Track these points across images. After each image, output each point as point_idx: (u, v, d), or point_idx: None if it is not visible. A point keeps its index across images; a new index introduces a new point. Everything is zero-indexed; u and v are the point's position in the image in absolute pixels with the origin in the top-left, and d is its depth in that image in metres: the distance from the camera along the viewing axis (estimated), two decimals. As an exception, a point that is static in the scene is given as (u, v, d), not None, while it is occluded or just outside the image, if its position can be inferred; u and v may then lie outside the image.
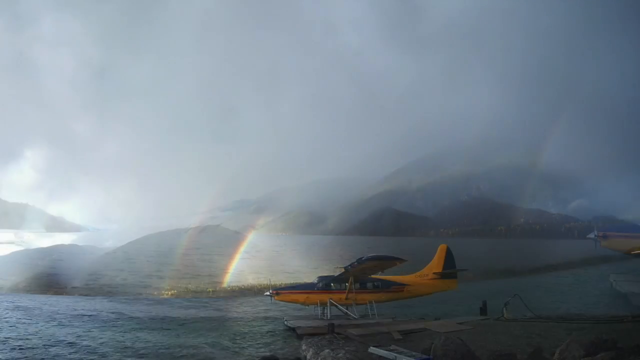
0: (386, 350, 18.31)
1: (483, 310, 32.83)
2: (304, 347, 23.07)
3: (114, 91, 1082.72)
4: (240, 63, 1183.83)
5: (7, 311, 40.41)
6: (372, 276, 38.35)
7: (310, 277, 44.15)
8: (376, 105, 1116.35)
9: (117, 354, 25.49)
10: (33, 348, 26.08)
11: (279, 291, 39.46)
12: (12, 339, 28.24)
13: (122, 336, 30.60)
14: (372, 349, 19.03)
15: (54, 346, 26.45)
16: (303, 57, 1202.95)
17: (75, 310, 43.27)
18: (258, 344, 28.60)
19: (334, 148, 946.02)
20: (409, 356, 17.02)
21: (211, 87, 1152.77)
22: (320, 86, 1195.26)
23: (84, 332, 31.68)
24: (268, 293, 39.42)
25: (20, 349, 25.72)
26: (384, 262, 33.95)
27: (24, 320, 35.87)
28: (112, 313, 42.20)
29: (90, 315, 40.23)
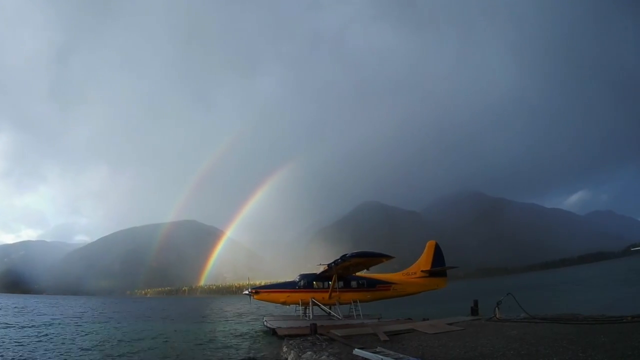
0: (372, 352, 18.12)
1: (474, 310, 32.73)
2: (284, 349, 22.88)
3: (80, 75, 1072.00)
4: (212, 42, 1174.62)
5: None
6: (357, 274, 38.23)
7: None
8: (370, 90, 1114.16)
9: None
10: None
11: (258, 290, 39.18)
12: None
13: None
14: (356, 351, 18.84)
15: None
16: (285, 36, 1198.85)
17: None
18: (236, 345, 28.31)
19: (320, 133, 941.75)
20: (395, 359, 16.83)
21: (184, 70, 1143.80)
22: (305, 67, 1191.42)
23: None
24: (247, 292, 39.22)
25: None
26: (370, 259, 33.54)
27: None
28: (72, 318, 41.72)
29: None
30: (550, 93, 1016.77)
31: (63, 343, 29.91)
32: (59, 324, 44.48)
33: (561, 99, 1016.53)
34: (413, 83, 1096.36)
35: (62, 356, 25.21)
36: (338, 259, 33.01)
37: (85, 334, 35.58)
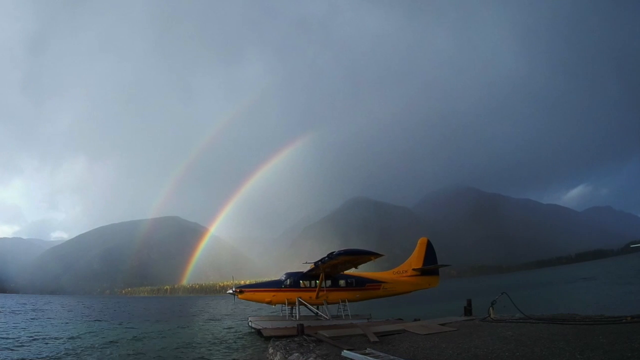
0: (361, 354, 17.89)
1: (468, 310, 32.69)
2: (270, 351, 22.69)
3: (56, 62, 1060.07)
4: (194, 28, 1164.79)
5: None
6: (345, 273, 38.02)
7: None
8: (363, 80, 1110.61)
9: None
10: None
11: (242, 289, 38.83)
12: None
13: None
14: (345, 353, 18.63)
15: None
16: (270, 21, 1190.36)
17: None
18: (219, 347, 28.05)
19: (308, 125, 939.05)
20: (385, 361, 16.63)
21: (165, 57, 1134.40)
22: (292, 55, 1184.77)
23: None
24: (231, 291, 38.85)
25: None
26: (358, 257, 33.20)
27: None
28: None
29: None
30: (553, 79, 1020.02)
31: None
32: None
33: (564, 86, 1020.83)
34: (407, 72, 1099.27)
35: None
36: (325, 257, 32.74)
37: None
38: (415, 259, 39.53)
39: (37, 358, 24.66)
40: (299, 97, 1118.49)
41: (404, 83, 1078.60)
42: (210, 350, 27.24)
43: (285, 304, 37.29)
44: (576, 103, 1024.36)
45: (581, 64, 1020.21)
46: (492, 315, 27.64)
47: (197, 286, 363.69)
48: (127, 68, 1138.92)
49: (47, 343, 30.25)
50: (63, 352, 26.34)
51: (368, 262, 34.10)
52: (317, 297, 36.74)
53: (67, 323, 46.27)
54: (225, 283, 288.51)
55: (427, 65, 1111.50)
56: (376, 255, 32.04)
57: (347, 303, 36.68)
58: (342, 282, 38.16)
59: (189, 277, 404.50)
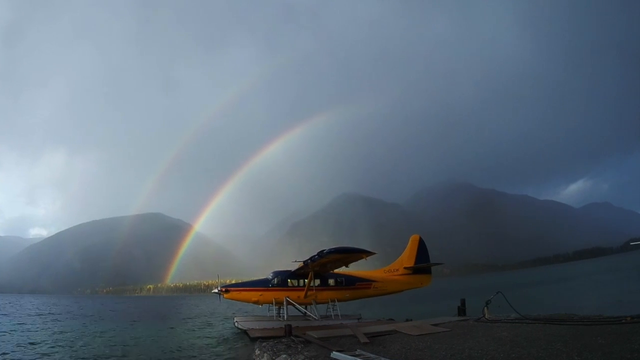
0: (351, 355, 17.87)
1: (461, 310, 32.73)
2: (257, 352, 22.45)
3: (33, 52, 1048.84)
4: (177, 14, 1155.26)
5: None
6: (335, 271, 37.93)
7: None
8: (354, 69, 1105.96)
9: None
10: None
11: (228, 288, 38.60)
12: None
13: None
14: (334, 354, 18.60)
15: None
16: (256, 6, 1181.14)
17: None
18: (204, 349, 27.85)
19: (297, 117, 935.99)
20: (376, 363, 16.56)
21: (147, 46, 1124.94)
22: (280, 43, 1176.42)
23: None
24: (216, 290, 38.67)
25: None
26: (349, 255, 33.05)
27: None
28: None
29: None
30: (553, 65, 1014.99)
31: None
32: None
33: (565, 74, 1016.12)
34: (401, 61, 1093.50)
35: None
36: (315, 255, 32.62)
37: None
38: (407, 257, 39.53)
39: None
40: (287, 89, 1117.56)
41: (397, 73, 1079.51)
42: (194, 352, 27.00)
43: (272, 303, 37.07)
44: (577, 93, 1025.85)
45: (584, 49, 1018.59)
46: (486, 316, 27.65)
47: (181, 285, 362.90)
48: (106, 57, 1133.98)
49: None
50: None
51: (359, 261, 34.00)
52: (305, 296, 36.64)
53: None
54: (210, 282, 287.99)
55: (422, 54, 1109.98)
56: (367, 253, 31.92)
57: (336, 303, 36.68)
58: (331, 281, 38.09)
59: (172, 276, 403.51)
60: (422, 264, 39.08)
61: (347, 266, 35.77)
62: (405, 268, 39.12)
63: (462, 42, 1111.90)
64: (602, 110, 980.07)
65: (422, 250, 39.49)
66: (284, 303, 36.36)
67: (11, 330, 37.99)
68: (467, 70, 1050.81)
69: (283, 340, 24.68)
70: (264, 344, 23.74)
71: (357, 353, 18.21)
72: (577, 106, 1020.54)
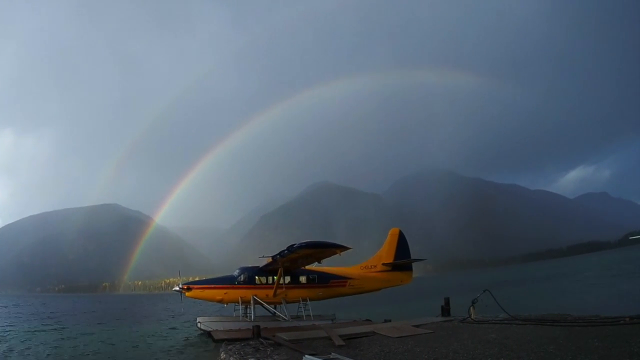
0: (325, 359, 17.64)
1: (445, 310, 32.83)
2: (222, 356, 22.25)
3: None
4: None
5: None
6: (307, 267, 37.66)
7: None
8: (333, 46, 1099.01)
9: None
10: None
11: (190, 286, 38.04)
12: None
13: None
14: (307, 358, 18.34)
15: None
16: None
17: None
18: (164, 353, 27.40)
19: (265, 101, 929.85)
20: (352, 367, 16.40)
21: (99, 21, 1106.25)
22: (250, 16, 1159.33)
23: None
24: (177, 288, 38.02)
25: None
26: (322, 250, 33.00)
27: None
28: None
29: None
30: (553, 42, 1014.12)
31: None
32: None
33: (565, 49, 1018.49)
34: (383, 36, 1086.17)
35: None
36: (285, 250, 32.27)
37: None
38: (386, 253, 39.47)
39: None
40: (257, 68, 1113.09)
41: (379, 52, 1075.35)
42: (151, 358, 26.62)
43: (238, 302, 36.71)
44: (574, 74, 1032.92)
45: (587, 14, 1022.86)
46: (473, 316, 27.75)
47: (139, 283, 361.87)
48: (54, 29, 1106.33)
49: None
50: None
51: (333, 256, 33.79)
52: (274, 295, 36.34)
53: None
54: (171, 279, 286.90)
55: (402, 29, 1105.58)
56: (342, 248, 31.74)
57: (308, 302, 36.49)
58: (303, 279, 37.83)
59: (130, 272, 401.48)
60: (402, 259, 39.00)
61: (320, 262, 35.59)
62: (383, 264, 39.04)
63: (445, 23, 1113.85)
64: (602, 93, 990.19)
65: (402, 245, 39.43)
66: (251, 302, 36.01)
67: None
68: (453, 45, 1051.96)
69: (251, 342, 24.58)
70: (229, 347, 23.60)
71: (331, 357, 17.99)
72: (574, 88, 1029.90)
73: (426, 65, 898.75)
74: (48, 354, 27.89)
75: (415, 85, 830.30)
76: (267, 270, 36.97)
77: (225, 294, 36.93)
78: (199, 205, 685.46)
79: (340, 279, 38.62)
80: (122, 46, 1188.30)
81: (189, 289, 37.65)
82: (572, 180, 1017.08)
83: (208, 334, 32.00)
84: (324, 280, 38.22)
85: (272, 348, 22.61)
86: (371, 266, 39.69)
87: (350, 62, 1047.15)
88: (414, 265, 40.58)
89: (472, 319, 27.09)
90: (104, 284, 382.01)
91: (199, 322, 36.30)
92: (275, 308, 37.15)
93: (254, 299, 36.06)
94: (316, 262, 35.88)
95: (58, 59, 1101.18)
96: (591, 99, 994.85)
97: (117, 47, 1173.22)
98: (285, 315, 35.53)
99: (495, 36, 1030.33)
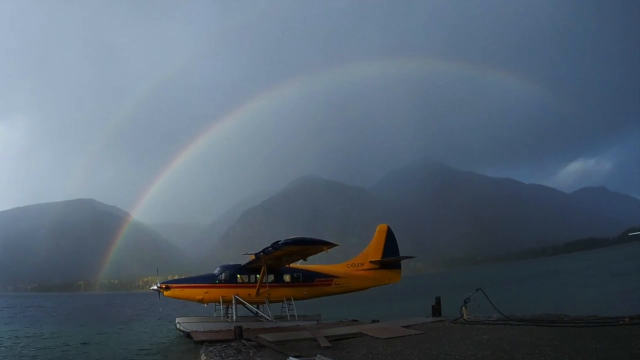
0: (310, 361, 17.69)
1: (436, 310, 32.91)
2: (203, 358, 22.19)
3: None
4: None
5: None
6: (291, 265, 37.49)
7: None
8: (310, 32, 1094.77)
9: None
10: None
11: (169, 285, 37.75)
12: None
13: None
14: (292, 360, 18.27)
15: None
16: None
17: None
18: (140, 355, 27.12)
19: (247, 90, 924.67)
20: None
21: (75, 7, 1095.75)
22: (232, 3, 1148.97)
23: None
24: (155, 287, 37.68)
25: None
26: (307, 247, 32.75)
27: None
28: None
29: None
30: (553, 33, 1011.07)
31: None
32: None
33: (566, 39, 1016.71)
34: (375, 24, 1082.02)
35: None
36: (268, 247, 32.09)
37: None
38: (374, 250, 39.42)
39: None
40: (239, 57, 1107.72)
41: (369, 35, 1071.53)
42: (130, 354, 26.74)
43: (219, 302, 36.52)
44: (573, 64, 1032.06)
45: (586, 5, 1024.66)
46: (465, 316, 27.78)
47: (116, 281, 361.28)
48: (30, 12, 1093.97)
49: None
50: None
51: (319, 254, 33.59)
52: (257, 294, 36.15)
53: None
54: (148, 278, 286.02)
55: (394, 15, 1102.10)
56: (329, 245, 31.59)
57: (292, 301, 36.38)
58: (287, 277, 37.69)
59: (106, 271, 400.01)
60: (391, 257, 38.99)
61: (305, 260, 35.39)
62: (371, 262, 38.98)
63: (439, 12, 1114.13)
64: (602, 83, 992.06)
65: (390, 242, 39.38)
66: (233, 302, 35.80)
67: None
68: (446, 29, 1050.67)
69: (232, 344, 24.45)
70: (210, 348, 23.50)
71: (317, 359, 18.18)
72: (573, 78, 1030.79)
73: (418, 55, 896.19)
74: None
75: (406, 75, 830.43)
76: (249, 269, 36.79)
77: (205, 293, 36.68)
78: (178, 201, 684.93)
79: (326, 278, 38.50)
80: (97, 31, 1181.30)
81: (167, 288, 37.34)
82: (571, 173, 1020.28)
83: (187, 335, 31.57)
84: (309, 278, 38.08)
85: (254, 350, 22.47)
86: (358, 264, 39.62)
87: (339, 50, 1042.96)
88: (403, 263, 40.59)
89: (464, 320, 27.14)
90: (78, 283, 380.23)
91: (178, 322, 36.07)
92: (258, 308, 36.92)
93: (236, 298, 35.85)
94: (301, 260, 35.72)
95: (28, 45, 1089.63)
96: (592, 89, 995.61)
97: (92, 33, 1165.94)
98: (269, 316, 35.35)
99: (492, 27, 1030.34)
